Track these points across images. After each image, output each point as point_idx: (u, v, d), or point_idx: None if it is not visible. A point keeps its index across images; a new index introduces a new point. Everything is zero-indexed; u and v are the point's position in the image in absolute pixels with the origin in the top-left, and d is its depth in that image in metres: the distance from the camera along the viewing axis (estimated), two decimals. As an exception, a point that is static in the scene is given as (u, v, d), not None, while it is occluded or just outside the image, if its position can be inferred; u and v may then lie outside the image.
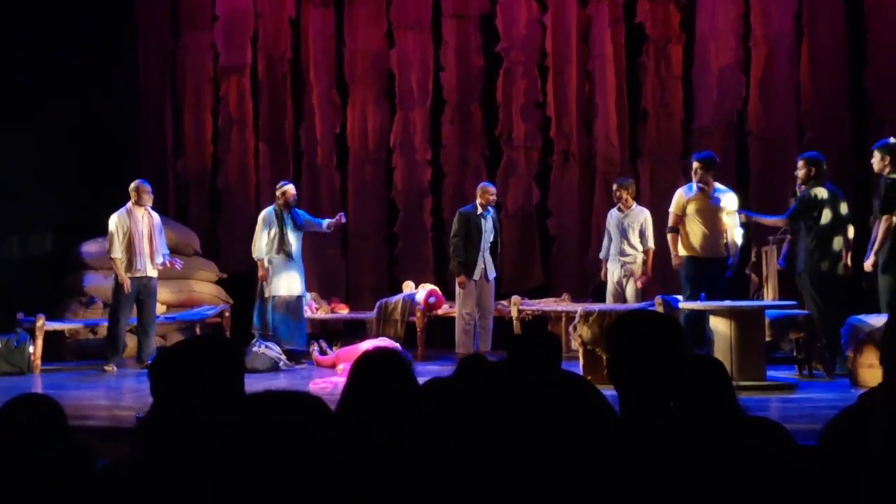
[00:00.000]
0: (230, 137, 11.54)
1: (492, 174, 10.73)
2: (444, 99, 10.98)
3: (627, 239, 8.96)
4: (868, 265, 7.36)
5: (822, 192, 7.75)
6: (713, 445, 2.13)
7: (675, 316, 7.44)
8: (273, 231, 9.19)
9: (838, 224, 7.77)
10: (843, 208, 7.82)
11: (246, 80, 11.48)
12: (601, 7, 10.48)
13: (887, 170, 7.42)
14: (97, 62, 11.02)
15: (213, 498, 2.03)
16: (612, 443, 2.00)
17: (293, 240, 9.25)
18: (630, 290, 8.90)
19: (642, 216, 9.01)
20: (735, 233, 8.14)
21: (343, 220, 9.45)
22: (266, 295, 9.19)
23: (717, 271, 8.10)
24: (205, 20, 11.56)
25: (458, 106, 10.94)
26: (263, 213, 9.38)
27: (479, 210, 9.15)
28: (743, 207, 8.36)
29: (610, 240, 9.13)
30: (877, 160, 7.52)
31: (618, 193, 9.03)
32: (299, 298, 9.32)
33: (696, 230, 8.15)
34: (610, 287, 9.07)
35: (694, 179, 8.20)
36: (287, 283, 9.20)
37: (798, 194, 8.00)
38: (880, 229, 7.32)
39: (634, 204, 9.09)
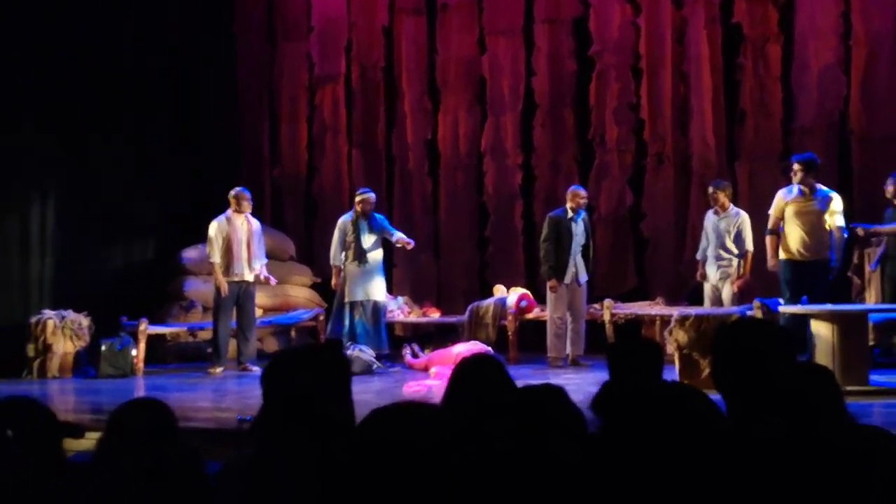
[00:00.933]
0: (324, 145, 11.75)
1: (584, 178, 10.67)
2: (535, 103, 10.97)
3: (723, 242, 8.79)
4: None
5: None
6: (821, 454, 2.09)
7: (776, 321, 7.27)
8: (349, 238, 9.28)
9: None
10: None
11: (340, 88, 11.66)
12: (697, 8, 10.33)
13: None
14: (198, 72, 11.34)
15: None
16: (721, 452, 1.98)
17: (369, 246, 9.31)
18: (727, 293, 8.73)
19: (738, 219, 8.82)
20: (838, 235, 7.93)
21: (411, 245, 9.43)
22: (345, 301, 9.29)
23: (817, 274, 7.90)
24: (300, 31, 11.79)
25: (549, 110, 10.91)
26: (340, 220, 9.48)
27: (570, 214, 9.11)
28: (845, 209, 8.14)
29: (707, 241, 8.99)
30: None
31: (714, 196, 8.87)
32: (377, 303, 9.34)
33: (794, 233, 7.97)
34: (707, 290, 8.92)
35: (794, 181, 8.01)
36: (364, 289, 9.25)
37: None
38: None
39: (731, 206, 8.90)
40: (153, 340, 9.74)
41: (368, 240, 9.34)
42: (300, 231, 11.67)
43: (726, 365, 2.23)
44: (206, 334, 9.66)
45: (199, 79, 11.37)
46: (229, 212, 9.30)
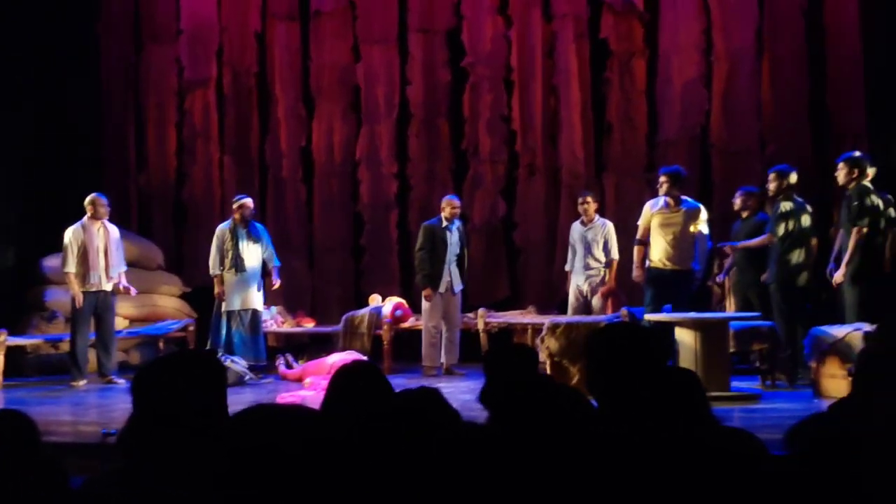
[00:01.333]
0: (195, 151, 11.47)
1: (458, 187, 10.77)
2: (410, 113, 11.01)
3: (591, 252, 9.04)
4: (839, 276, 7.45)
5: (787, 205, 7.88)
6: (692, 455, 2.15)
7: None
8: (226, 246, 9.14)
9: (804, 236, 7.89)
10: (806, 220, 7.94)
11: (211, 93, 11.42)
12: (566, 22, 10.57)
13: (853, 183, 7.53)
14: (58, 73, 10.93)
15: None
16: (593, 452, 2.02)
17: (248, 255, 9.20)
18: (596, 303, 8.98)
19: (605, 228, 9.12)
20: (703, 246, 8.22)
21: (276, 285, 9.45)
22: (222, 310, 9.14)
23: (681, 284, 8.13)
24: (168, 34, 11.48)
25: (424, 120, 10.97)
26: (218, 228, 9.35)
27: (444, 223, 9.18)
28: (708, 219, 8.44)
29: (574, 252, 9.21)
30: (843, 173, 7.63)
31: (584, 206, 9.12)
32: (256, 313, 9.25)
33: (659, 244, 8.19)
34: (571, 299, 9.15)
35: (660, 193, 8.26)
36: (241, 298, 9.15)
37: (769, 207, 8.14)
38: (851, 240, 7.42)
39: (597, 217, 9.18)
40: (12, 352, 9.32)
41: (247, 248, 9.21)
42: (169, 239, 11.36)
43: (599, 368, 2.28)
44: (67, 346, 9.31)
45: (62, 78, 10.95)
46: (85, 218, 9.00)
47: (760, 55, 10.10)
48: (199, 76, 11.42)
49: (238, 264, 9.12)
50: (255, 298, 9.24)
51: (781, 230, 7.83)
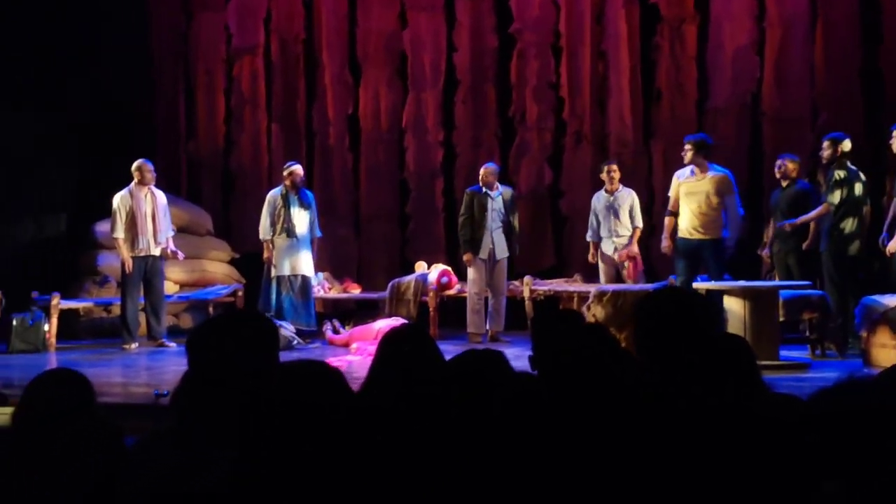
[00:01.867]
0: (242, 118, 11.56)
1: (504, 155, 10.74)
2: (457, 80, 10.97)
3: (619, 219, 9.01)
4: (893, 245, 7.34)
5: (841, 173, 7.75)
6: (743, 420, 2.15)
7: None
8: (278, 212, 9.21)
9: (857, 204, 7.77)
10: (859, 189, 7.81)
11: (259, 60, 11.48)
12: (615, -13, 10.44)
13: None
14: (111, 42, 11.03)
15: (238, 468, 2.06)
16: (641, 418, 2.02)
17: (298, 220, 9.26)
18: (625, 270, 8.98)
19: (630, 197, 9.12)
20: (732, 213, 8.06)
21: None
22: (272, 275, 9.23)
23: (710, 252, 7.98)
24: (218, 1, 11.54)
25: (470, 87, 10.93)
26: (270, 194, 9.41)
27: (484, 189, 9.18)
28: (756, 188, 8.34)
29: (598, 222, 9.19)
30: None
31: (610, 175, 9.08)
32: (305, 278, 9.31)
33: (686, 213, 8.09)
34: (603, 267, 9.11)
35: (685, 161, 8.15)
36: (291, 263, 9.21)
37: (824, 174, 8.02)
38: None
39: (621, 185, 9.15)
40: (66, 316, 9.51)
41: (297, 214, 9.27)
42: (217, 206, 11.48)
43: (647, 334, 2.27)
44: (119, 310, 9.46)
45: (115, 46, 11.05)
46: (132, 185, 9.12)
47: (814, 21, 9.90)
48: (246, 43, 11.47)
49: (290, 229, 9.20)
50: (306, 264, 9.30)
51: (837, 198, 7.72)
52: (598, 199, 9.26)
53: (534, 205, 10.76)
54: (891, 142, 7.63)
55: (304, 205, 9.34)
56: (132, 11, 11.32)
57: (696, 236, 8.02)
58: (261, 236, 9.36)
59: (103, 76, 10.92)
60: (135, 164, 9.14)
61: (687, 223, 8.06)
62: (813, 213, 7.96)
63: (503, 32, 10.84)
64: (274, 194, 9.36)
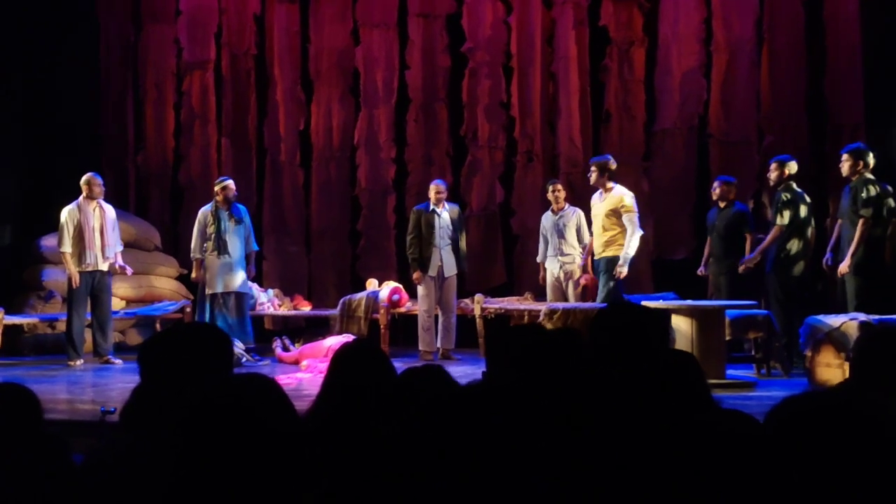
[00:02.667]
0: (192, 132, 11.47)
1: (456, 173, 10.79)
2: (409, 97, 11.00)
3: (565, 238, 9.07)
4: (844, 267, 7.50)
5: (788, 194, 7.94)
6: (694, 435, 2.17)
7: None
8: (209, 230, 9.13)
9: (802, 226, 7.96)
10: (804, 210, 8.00)
11: (209, 75, 11.41)
12: (566, 9, 10.57)
13: (857, 175, 7.59)
14: (57, 54, 10.90)
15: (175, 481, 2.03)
16: (602, 431, 2.04)
17: (231, 237, 9.17)
18: (570, 290, 9.00)
19: (576, 215, 9.14)
20: (630, 230, 8.29)
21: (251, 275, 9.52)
22: (206, 293, 9.13)
23: (604, 270, 8.39)
24: (168, 14, 11.46)
25: (423, 104, 10.97)
26: (200, 211, 9.33)
27: (432, 207, 9.21)
28: (704, 207, 8.50)
29: (546, 242, 9.27)
30: (847, 164, 7.68)
31: (555, 195, 9.15)
32: (239, 295, 9.20)
33: (594, 233, 8.61)
34: (550, 283, 9.17)
35: (590, 182, 8.51)
36: (224, 281, 9.11)
37: (770, 196, 8.20)
38: (857, 231, 7.46)
39: (566, 205, 9.21)
40: (9, 331, 9.34)
41: (230, 230, 9.17)
42: (166, 220, 11.36)
43: (601, 347, 2.29)
44: (64, 325, 9.32)
45: (61, 58, 10.91)
46: (80, 198, 9.01)
47: (760, 46, 10.11)
48: (197, 58, 11.40)
49: (221, 247, 9.09)
50: (239, 281, 9.20)
51: (786, 219, 7.91)
52: (546, 219, 9.35)
53: (485, 223, 10.81)
54: (840, 165, 7.81)
55: (237, 220, 9.24)
56: (80, 21, 11.19)
57: (598, 255, 8.43)
58: (191, 255, 9.28)
59: (49, 86, 10.77)
60: (83, 178, 9.03)
61: (595, 243, 8.52)
62: (768, 239, 8.09)
63: (455, 51, 10.90)
64: (204, 211, 9.27)
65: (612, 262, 8.27)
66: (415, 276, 9.20)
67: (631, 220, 8.27)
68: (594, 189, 10.31)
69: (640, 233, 8.35)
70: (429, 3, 10.94)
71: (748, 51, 10.11)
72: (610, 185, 8.42)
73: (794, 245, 7.93)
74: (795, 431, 1.80)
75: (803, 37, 9.99)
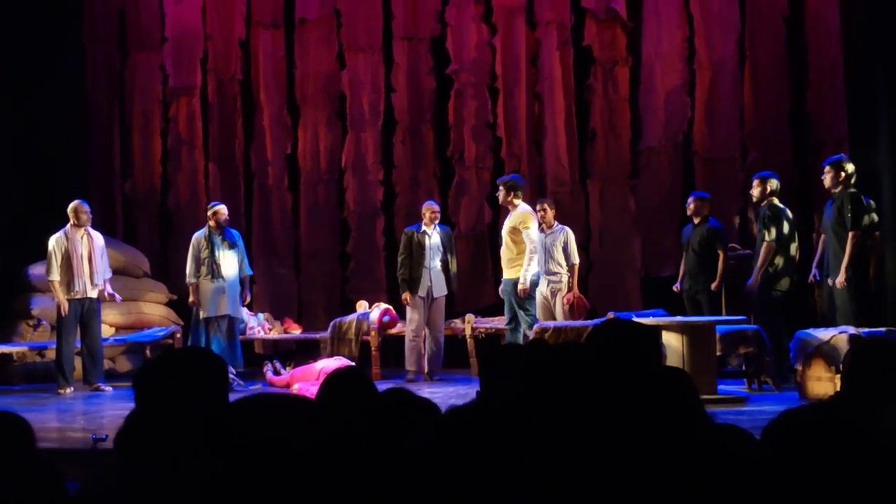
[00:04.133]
0: (180, 158, 11.47)
1: (444, 194, 10.82)
2: (395, 120, 11.04)
3: (553, 258, 9.03)
4: (840, 281, 7.52)
5: (771, 211, 8.01)
6: (691, 450, 2.19)
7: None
8: (203, 255, 9.13)
9: (786, 241, 8.02)
10: (786, 227, 8.06)
11: (196, 101, 11.42)
12: (549, 30, 10.64)
13: (840, 186, 7.63)
14: (44, 81, 10.88)
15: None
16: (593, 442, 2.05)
17: (224, 261, 9.16)
18: (558, 308, 8.95)
19: (563, 234, 9.05)
20: (526, 249, 8.55)
21: (247, 300, 9.55)
22: (200, 317, 9.12)
23: (509, 292, 8.65)
24: (153, 41, 11.48)
25: (409, 127, 11.01)
26: (194, 236, 9.33)
27: (423, 228, 9.24)
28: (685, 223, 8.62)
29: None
30: (829, 176, 7.73)
31: (541, 213, 9.10)
32: (232, 319, 9.19)
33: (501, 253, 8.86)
34: (539, 302, 9.13)
35: (500, 202, 8.77)
36: (215, 304, 9.09)
37: (755, 212, 8.27)
38: (848, 245, 7.50)
39: (556, 223, 9.14)
40: (-3, 360, 9.30)
41: (223, 255, 9.17)
42: (155, 246, 11.34)
43: (594, 365, 2.30)
44: (53, 354, 9.28)
45: (48, 86, 10.90)
46: (68, 226, 9.00)
47: (742, 63, 10.20)
48: (183, 84, 11.42)
49: (214, 271, 9.09)
50: (232, 305, 9.18)
51: (774, 234, 7.96)
52: (537, 238, 9.34)
53: (474, 243, 10.84)
54: (822, 177, 7.86)
55: (230, 244, 9.24)
56: (67, 48, 11.19)
57: (506, 276, 8.67)
58: (186, 280, 9.28)
59: (36, 113, 10.76)
60: (71, 206, 9.02)
61: (502, 263, 8.81)
62: (762, 257, 8.08)
63: (440, 73, 10.96)
64: (198, 236, 9.27)
65: (511, 284, 8.58)
66: (404, 296, 9.22)
67: (529, 238, 8.48)
68: (579, 208, 10.40)
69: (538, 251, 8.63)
70: (413, 26, 11.00)
71: (731, 68, 10.20)
72: (517, 202, 8.62)
73: (779, 261, 7.99)
74: (795, 444, 1.82)
75: (785, 52, 10.09)
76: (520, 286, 8.41)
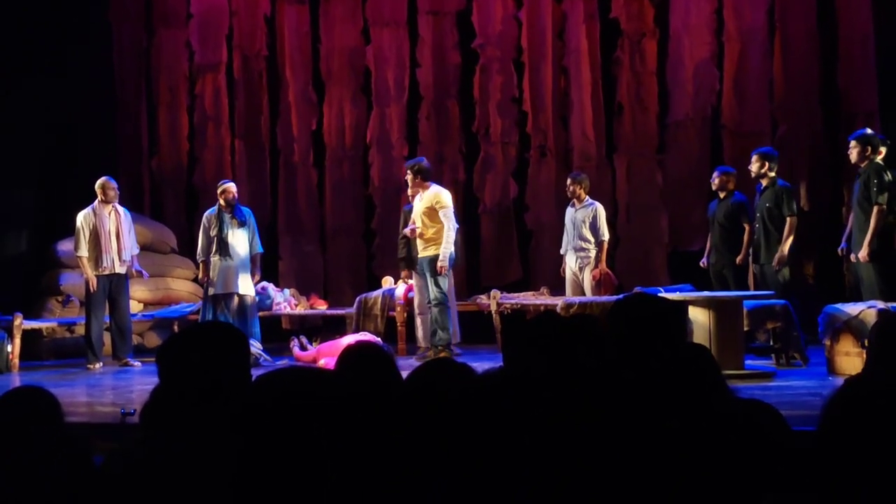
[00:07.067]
0: (206, 135, 11.50)
1: (469, 170, 10.79)
2: (420, 95, 11.01)
3: (580, 233, 8.99)
4: (863, 255, 7.44)
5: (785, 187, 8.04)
6: (713, 425, 2.17)
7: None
8: (213, 232, 9.12)
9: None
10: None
11: (221, 77, 11.44)
12: (576, 3, 10.55)
13: (866, 161, 7.54)
14: (71, 59, 10.94)
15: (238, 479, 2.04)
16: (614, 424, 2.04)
17: (234, 239, 9.12)
18: (587, 283, 8.92)
19: (591, 209, 8.99)
20: (445, 227, 8.41)
21: (257, 278, 9.38)
22: (209, 294, 9.13)
23: (427, 269, 8.51)
24: (179, 18, 11.51)
25: (434, 102, 10.97)
26: (204, 214, 9.31)
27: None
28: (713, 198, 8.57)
29: (568, 235, 9.24)
30: (855, 151, 7.63)
31: (571, 188, 9.05)
32: (242, 297, 9.11)
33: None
34: (568, 277, 9.10)
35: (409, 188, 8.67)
36: (225, 282, 9.03)
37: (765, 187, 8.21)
38: (873, 218, 7.41)
39: (587, 198, 9.08)
40: (28, 336, 9.38)
41: (233, 232, 9.11)
42: (181, 223, 11.39)
43: (619, 339, 2.29)
44: (82, 329, 9.37)
45: (76, 63, 10.96)
46: (96, 202, 9.05)
47: (772, 35, 10.06)
48: (209, 60, 11.44)
49: (223, 249, 9.06)
50: (241, 282, 9.07)
51: (794, 208, 7.92)
52: (567, 213, 9.28)
53: (499, 219, 10.81)
54: (849, 152, 7.77)
55: (240, 222, 9.20)
56: (94, 28, 11.24)
57: (421, 255, 8.57)
58: (197, 257, 9.30)
59: (64, 92, 10.82)
60: (98, 182, 9.07)
61: (417, 244, 8.65)
62: (787, 237, 8.05)
63: (466, 48, 10.90)
64: (208, 214, 9.25)
65: (434, 260, 8.42)
66: (403, 274, 9.31)
67: (446, 216, 8.42)
68: (606, 183, 10.30)
69: (455, 227, 8.53)
70: (438, 0, 10.94)
71: (760, 40, 10.07)
72: (427, 184, 8.56)
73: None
74: (859, 416, 1.79)
75: (815, 25, 9.94)
76: (440, 263, 8.36)
